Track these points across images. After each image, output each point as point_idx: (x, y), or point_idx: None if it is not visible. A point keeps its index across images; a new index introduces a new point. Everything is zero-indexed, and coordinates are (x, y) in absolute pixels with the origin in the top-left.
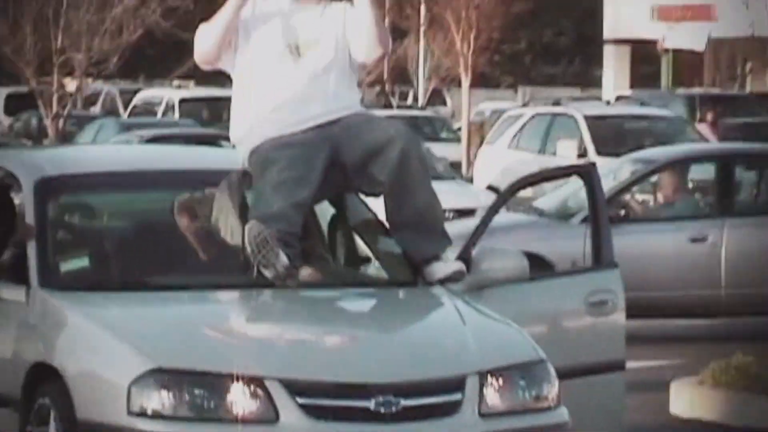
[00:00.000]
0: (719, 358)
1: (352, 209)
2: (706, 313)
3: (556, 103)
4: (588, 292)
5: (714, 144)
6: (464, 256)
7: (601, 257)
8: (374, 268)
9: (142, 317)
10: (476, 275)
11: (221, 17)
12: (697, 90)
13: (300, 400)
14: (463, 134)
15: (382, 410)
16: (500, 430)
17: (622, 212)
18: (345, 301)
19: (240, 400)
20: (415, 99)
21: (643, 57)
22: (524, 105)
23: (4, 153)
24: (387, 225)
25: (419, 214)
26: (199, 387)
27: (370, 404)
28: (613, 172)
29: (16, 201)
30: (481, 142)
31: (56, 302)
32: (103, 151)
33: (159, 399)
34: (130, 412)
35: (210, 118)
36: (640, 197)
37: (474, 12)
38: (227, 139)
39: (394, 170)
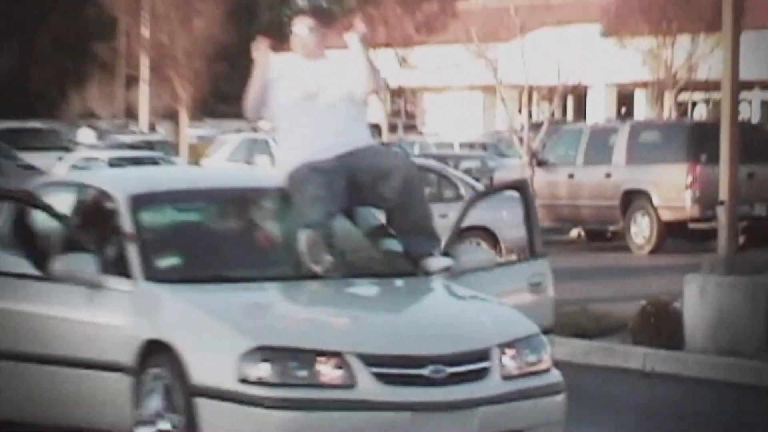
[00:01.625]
0: None
1: (364, 219)
2: None
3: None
4: (530, 275)
5: None
6: (447, 252)
7: (534, 250)
8: (385, 263)
9: (235, 303)
10: (457, 265)
11: (255, 82)
12: None
13: (373, 370)
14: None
15: (434, 376)
16: (517, 390)
17: None
18: (380, 289)
19: (325, 370)
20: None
21: None
22: (238, 131)
23: (90, 174)
24: (391, 231)
25: (417, 223)
26: (293, 360)
27: (425, 371)
28: None
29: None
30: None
31: (160, 292)
32: (172, 172)
33: (262, 370)
34: (239, 380)
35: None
36: None
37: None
38: None
39: (398, 191)
